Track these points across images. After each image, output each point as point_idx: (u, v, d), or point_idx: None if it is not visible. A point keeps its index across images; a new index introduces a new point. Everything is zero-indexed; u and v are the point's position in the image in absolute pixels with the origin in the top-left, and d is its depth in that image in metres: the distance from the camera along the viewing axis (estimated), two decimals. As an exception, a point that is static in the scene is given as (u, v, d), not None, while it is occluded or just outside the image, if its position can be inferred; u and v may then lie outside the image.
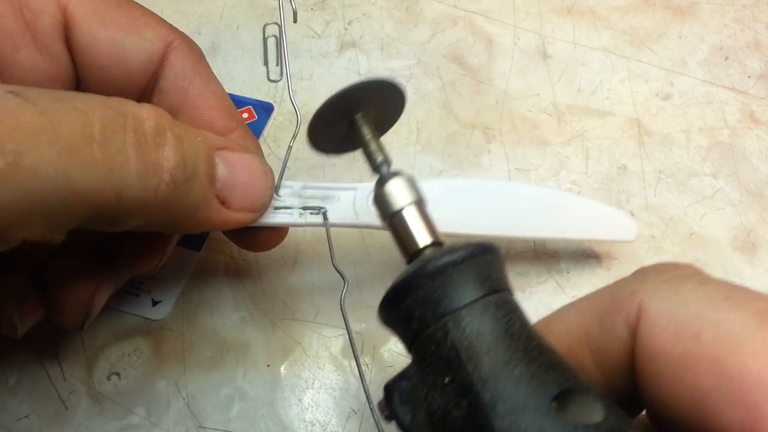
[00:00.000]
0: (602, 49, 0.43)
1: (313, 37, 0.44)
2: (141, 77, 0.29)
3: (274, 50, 0.42)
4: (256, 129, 0.40)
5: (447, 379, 0.19)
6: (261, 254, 0.36)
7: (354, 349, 0.28)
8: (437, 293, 0.20)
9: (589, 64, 0.42)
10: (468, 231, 0.31)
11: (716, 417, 0.16)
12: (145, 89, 0.29)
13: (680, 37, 0.44)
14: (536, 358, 0.18)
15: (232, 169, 0.26)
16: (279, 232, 0.31)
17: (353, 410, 0.32)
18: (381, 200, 0.24)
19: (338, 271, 0.29)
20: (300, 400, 0.32)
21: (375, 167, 0.25)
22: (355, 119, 0.25)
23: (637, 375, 0.19)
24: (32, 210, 0.20)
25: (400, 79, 0.42)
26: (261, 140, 0.40)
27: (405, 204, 0.23)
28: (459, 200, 0.32)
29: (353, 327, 0.34)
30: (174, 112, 0.29)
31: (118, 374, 0.32)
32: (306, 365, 0.33)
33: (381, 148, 0.25)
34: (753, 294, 0.18)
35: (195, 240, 0.36)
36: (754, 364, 0.16)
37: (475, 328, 0.19)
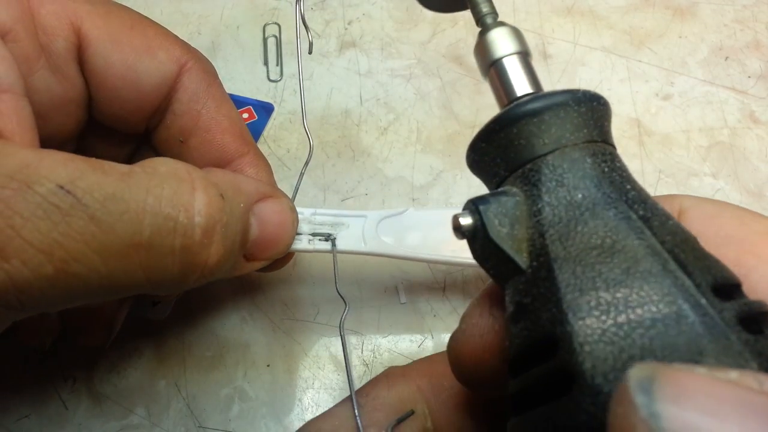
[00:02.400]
0: (602, 49, 0.43)
1: (313, 37, 0.44)
2: (154, 99, 0.28)
3: (274, 50, 0.42)
4: (257, 129, 0.40)
5: (580, 196, 0.19)
6: (261, 254, 0.36)
7: (349, 374, 0.28)
8: (580, 119, 0.20)
9: (589, 64, 0.42)
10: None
11: (754, 290, 0.18)
12: (157, 110, 0.29)
13: (680, 37, 0.44)
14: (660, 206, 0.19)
15: (264, 227, 0.26)
16: (287, 256, 0.31)
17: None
18: (482, 48, 0.22)
19: (340, 295, 0.29)
20: (300, 400, 0.32)
21: (479, 18, 0.24)
22: None
23: None
24: (71, 300, 0.21)
25: (401, 80, 0.42)
26: (261, 140, 0.40)
27: (508, 52, 0.22)
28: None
29: (354, 327, 0.34)
30: (186, 135, 0.29)
31: (118, 374, 0.32)
32: (306, 365, 0.33)
33: (488, 0, 0.24)
34: None
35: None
36: None
37: (610, 163, 0.19)
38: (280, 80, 0.41)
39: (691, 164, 0.39)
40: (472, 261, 0.30)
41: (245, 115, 0.40)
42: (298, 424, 0.31)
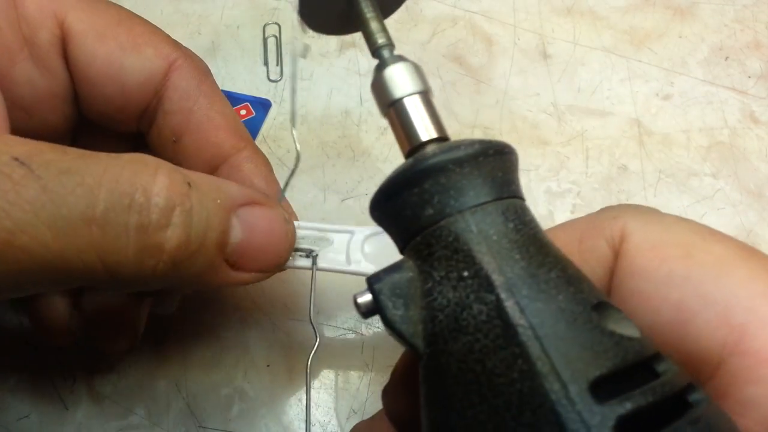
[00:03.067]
0: (602, 49, 0.43)
1: (313, 37, 0.44)
2: (140, 96, 0.28)
3: (274, 50, 0.42)
4: (254, 125, 0.40)
5: (466, 273, 0.17)
6: (261, 254, 0.36)
7: (308, 406, 0.28)
8: (465, 182, 0.18)
9: (589, 64, 0.42)
10: None
11: (697, 336, 0.17)
12: (146, 109, 0.28)
13: (680, 37, 0.44)
14: (567, 267, 0.17)
15: (250, 231, 0.24)
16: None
17: (353, 410, 0.32)
18: (379, 87, 0.21)
19: (313, 327, 0.27)
20: (300, 400, 0.32)
21: (375, 50, 0.22)
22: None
23: (615, 294, 0.19)
24: (20, 282, 0.19)
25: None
26: (261, 140, 0.40)
27: (408, 92, 0.20)
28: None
29: (354, 327, 0.34)
30: (179, 134, 0.28)
31: (118, 374, 0.32)
32: (306, 365, 0.33)
33: (384, 29, 0.22)
34: (732, 237, 0.19)
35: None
36: (742, 288, 0.17)
37: (502, 224, 0.18)
38: (280, 80, 0.41)
39: (691, 164, 0.39)
40: None
41: (243, 112, 0.40)
42: (298, 424, 0.31)
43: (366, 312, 0.19)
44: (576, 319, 0.16)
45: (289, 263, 0.28)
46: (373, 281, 0.19)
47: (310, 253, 0.28)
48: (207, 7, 0.45)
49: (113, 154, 0.21)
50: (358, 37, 0.45)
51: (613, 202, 0.38)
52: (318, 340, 0.27)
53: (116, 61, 0.27)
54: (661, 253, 0.18)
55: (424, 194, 0.18)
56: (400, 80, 0.21)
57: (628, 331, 0.17)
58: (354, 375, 0.32)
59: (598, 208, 0.37)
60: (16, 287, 0.20)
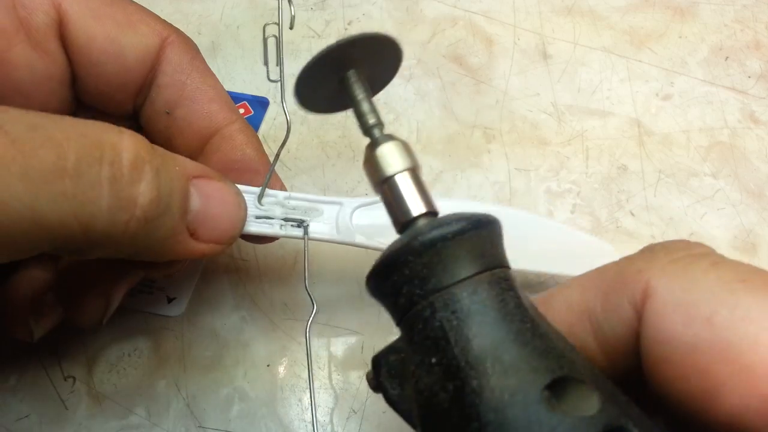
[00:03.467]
0: (602, 49, 0.43)
1: (313, 37, 0.44)
2: (138, 73, 0.28)
3: (274, 50, 0.42)
4: (253, 124, 0.40)
5: (434, 360, 0.18)
6: (261, 254, 0.36)
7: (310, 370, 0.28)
8: (426, 270, 0.19)
9: (589, 64, 0.42)
10: None
11: (728, 405, 0.16)
12: (142, 85, 0.29)
13: (680, 37, 0.44)
14: (529, 342, 0.17)
15: (206, 200, 0.25)
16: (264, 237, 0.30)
17: (353, 410, 0.32)
18: (372, 165, 0.22)
19: (309, 295, 0.28)
20: (300, 400, 0.32)
21: (366, 129, 0.23)
22: (346, 76, 0.24)
23: (643, 357, 0.18)
24: None
25: (401, 80, 0.42)
26: (260, 139, 0.39)
27: (398, 170, 0.22)
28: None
29: (355, 328, 0.34)
30: (172, 107, 0.29)
31: (118, 374, 0.32)
32: (306, 365, 0.33)
33: (374, 109, 0.23)
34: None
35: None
36: None
37: (465, 308, 0.18)
38: (280, 80, 0.41)
39: (691, 164, 0.39)
40: None
41: (241, 111, 0.40)
42: (298, 424, 0.31)
43: (374, 389, 0.21)
44: (526, 404, 0.16)
45: (282, 232, 0.29)
46: (375, 362, 0.20)
47: (301, 223, 0.29)
48: (207, 7, 0.45)
49: (78, 118, 0.22)
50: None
51: (613, 202, 0.38)
52: (315, 307, 0.28)
53: (115, 39, 0.27)
54: (685, 314, 0.17)
55: (402, 277, 0.19)
56: (391, 158, 0.22)
57: (587, 408, 0.16)
58: (354, 375, 0.32)
59: (598, 208, 0.37)
60: None
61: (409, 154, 0.22)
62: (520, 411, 0.16)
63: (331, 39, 0.44)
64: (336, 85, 0.24)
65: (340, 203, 0.30)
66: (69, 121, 0.21)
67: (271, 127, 0.40)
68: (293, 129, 0.40)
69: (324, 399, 0.32)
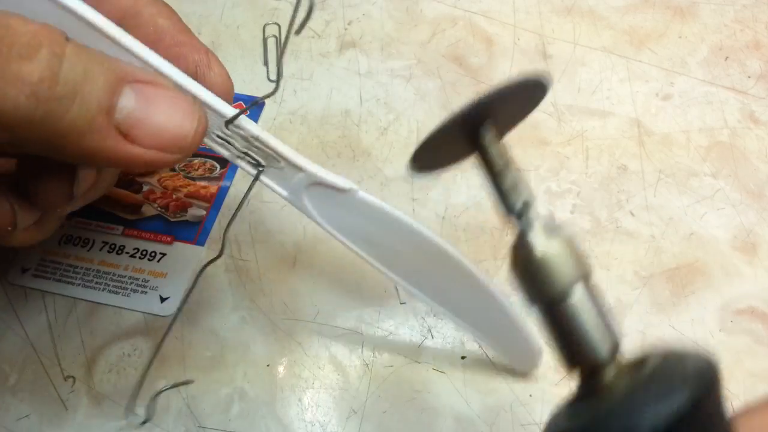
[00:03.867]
0: (602, 49, 0.43)
1: (313, 37, 0.44)
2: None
3: (274, 50, 0.42)
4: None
5: None
6: (261, 254, 0.36)
7: None
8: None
9: (589, 64, 0.42)
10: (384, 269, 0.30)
11: None
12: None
13: (680, 37, 0.44)
14: None
15: (146, 102, 0.24)
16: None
17: (353, 410, 0.32)
18: (538, 270, 0.17)
19: (222, 242, 0.27)
20: (300, 400, 0.32)
21: (517, 212, 0.18)
22: (479, 134, 0.18)
23: None
24: None
25: (401, 80, 0.42)
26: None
27: (575, 280, 0.16)
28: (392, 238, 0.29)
29: (354, 326, 0.34)
30: (135, 13, 0.28)
31: (118, 374, 0.32)
32: (306, 365, 0.33)
33: (520, 181, 0.18)
34: None
35: (197, 236, 0.36)
36: None
37: None
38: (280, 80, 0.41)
39: (691, 164, 0.39)
40: (380, 265, 0.27)
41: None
42: (298, 424, 0.31)
43: None
44: None
45: (238, 162, 0.27)
46: None
47: (258, 165, 0.27)
48: (207, 7, 0.45)
49: None
50: (357, 36, 0.45)
51: (613, 202, 0.38)
52: (222, 256, 0.27)
53: None
54: None
55: None
56: (570, 264, 0.16)
57: None
58: (354, 375, 0.32)
59: (597, 208, 0.37)
60: None
61: (577, 248, 0.17)
62: None
63: (331, 39, 0.44)
64: (461, 144, 0.19)
65: (302, 170, 0.27)
66: None
67: (270, 127, 0.40)
68: (293, 129, 0.40)
69: (324, 399, 0.32)
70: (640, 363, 0.16)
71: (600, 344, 0.16)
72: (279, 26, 0.39)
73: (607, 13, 0.44)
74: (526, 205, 0.18)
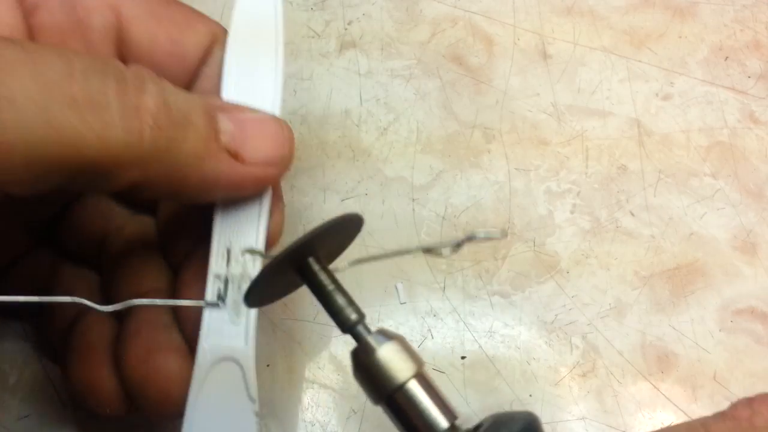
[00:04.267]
0: (602, 49, 0.43)
1: (313, 37, 0.44)
2: (194, 69, 0.29)
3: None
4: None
5: None
6: (261, 254, 0.36)
7: None
8: None
9: (589, 64, 0.42)
10: None
11: None
12: (193, 79, 0.29)
13: (680, 37, 0.44)
14: None
15: (240, 124, 0.25)
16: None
17: (353, 410, 0.32)
18: (373, 373, 0.19)
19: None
20: (300, 400, 0.32)
21: (349, 328, 0.20)
22: (306, 265, 0.21)
23: None
24: (11, 144, 0.19)
25: (400, 80, 0.42)
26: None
27: (410, 375, 0.19)
28: None
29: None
30: (211, 93, 0.29)
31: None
32: (306, 365, 0.33)
33: (351, 301, 0.20)
34: None
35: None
36: None
37: None
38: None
39: (691, 164, 0.39)
40: None
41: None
42: (298, 424, 0.31)
43: None
44: None
45: (209, 279, 0.25)
46: None
47: (220, 297, 0.25)
48: (208, 8, 0.44)
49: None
50: (357, 36, 0.45)
51: (613, 202, 0.38)
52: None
53: (177, 39, 0.28)
54: None
55: None
56: (400, 362, 0.19)
57: None
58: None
59: (597, 208, 0.37)
60: (5, 155, 0.19)
61: (413, 350, 0.19)
62: None
63: (331, 39, 0.44)
64: (291, 277, 0.21)
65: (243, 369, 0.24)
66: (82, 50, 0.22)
67: (271, 127, 0.40)
68: (293, 129, 0.40)
69: (324, 399, 0.32)
70: (476, 428, 0.19)
71: (439, 418, 0.19)
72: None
73: (607, 13, 0.44)
74: (358, 320, 0.20)
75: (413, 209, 0.37)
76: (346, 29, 0.44)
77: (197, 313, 0.25)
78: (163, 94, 0.23)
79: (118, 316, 0.27)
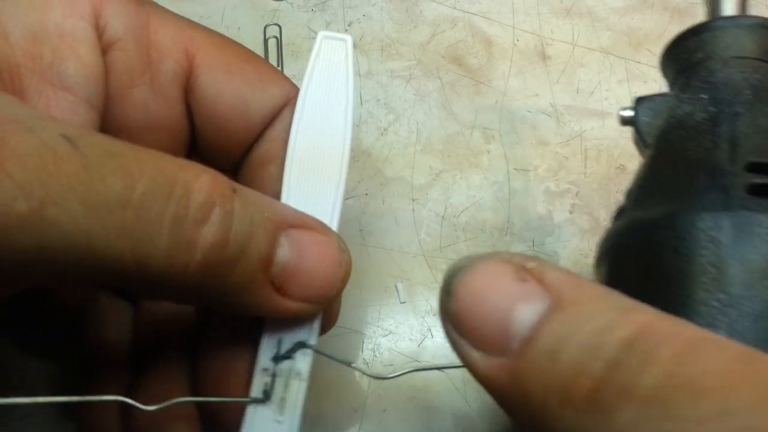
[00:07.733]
0: (601, 50, 0.43)
1: (314, 38, 0.44)
2: (259, 130, 0.28)
3: (275, 51, 0.42)
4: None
5: (704, 96, 0.25)
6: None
7: None
8: (723, 40, 0.25)
9: (588, 65, 0.43)
10: None
11: None
12: (257, 139, 0.28)
13: (678, 38, 0.44)
14: None
15: (300, 253, 0.23)
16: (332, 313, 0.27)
17: (353, 409, 0.32)
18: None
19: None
20: (300, 399, 0.32)
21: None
22: None
23: None
24: (44, 260, 0.18)
25: (400, 81, 0.42)
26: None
27: None
28: None
29: (354, 326, 0.34)
30: (270, 159, 0.28)
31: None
32: (306, 364, 0.33)
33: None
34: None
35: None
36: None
37: (746, 75, 0.25)
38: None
39: (690, 164, 0.39)
40: None
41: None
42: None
43: (624, 122, 0.29)
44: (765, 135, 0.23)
45: (256, 374, 0.24)
46: (638, 101, 0.28)
47: (267, 394, 0.23)
48: (208, 9, 0.45)
49: (163, 153, 0.21)
50: (358, 37, 0.45)
51: (612, 202, 0.38)
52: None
53: (244, 96, 0.27)
54: None
55: (696, 44, 0.26)
56: None
57: None
58: (354, 374, 0.32)
59: (596, 208, 0.37)
60: (36, 266, 0.19)
61: None
62: (763, 139, 0.23)
63: (330, 40, 0.44)
64: None
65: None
66: (151, 154, 0.20)
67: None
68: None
69: (324, 399, 0.32)
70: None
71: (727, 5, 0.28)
72: (280, 27, 0.39)
73: (605, 14, 0.44)
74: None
75: (413, 209, 0.37)
76: (346, 30, 0.44)
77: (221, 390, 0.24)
78: (227, 223, 0.21)
79: (135, 369, 0.27)
